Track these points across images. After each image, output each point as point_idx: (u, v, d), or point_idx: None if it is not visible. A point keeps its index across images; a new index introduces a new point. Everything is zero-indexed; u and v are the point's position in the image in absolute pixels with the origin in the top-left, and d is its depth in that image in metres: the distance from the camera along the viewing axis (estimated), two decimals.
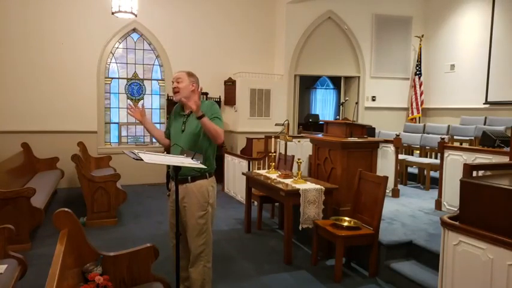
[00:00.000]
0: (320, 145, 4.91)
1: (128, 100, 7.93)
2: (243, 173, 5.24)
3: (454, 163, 4.49)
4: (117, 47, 7.77)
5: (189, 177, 2.80)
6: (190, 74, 2.92)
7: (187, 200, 2.82)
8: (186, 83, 2.88)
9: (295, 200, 3.88)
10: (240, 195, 6.27)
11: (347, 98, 8.42)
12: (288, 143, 4.85)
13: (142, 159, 2.40)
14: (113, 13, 5.55)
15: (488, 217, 2.22)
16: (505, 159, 3.66)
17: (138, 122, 3.08)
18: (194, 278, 2.88)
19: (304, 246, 4.42)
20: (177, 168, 2.49)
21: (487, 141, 4.95)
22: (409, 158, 6.51)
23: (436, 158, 6.44)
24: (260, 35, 8.53)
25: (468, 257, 2.30)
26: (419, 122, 8.70)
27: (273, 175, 4.55)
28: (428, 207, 4.85)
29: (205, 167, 2.69)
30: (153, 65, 8.08)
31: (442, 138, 4.89)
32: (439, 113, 8.73)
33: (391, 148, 5.39)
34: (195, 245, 2.85)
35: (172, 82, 2.94)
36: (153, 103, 8.12)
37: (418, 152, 6.94)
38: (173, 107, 3.18)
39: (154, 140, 8.15)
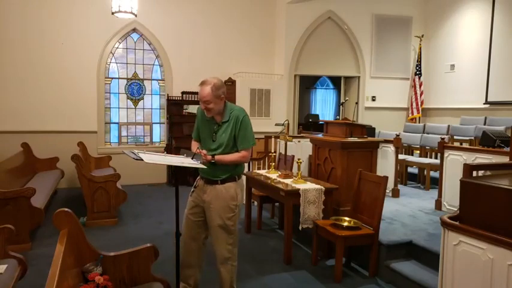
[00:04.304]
0: (320, 145, 4.91)
1: (129, 100, 7.95)
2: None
3: (454, 163, 4.49)
4: (117, 47, 7.77)
5: (219, 180, 2.83)
6: (215, 88, 2.71)
7: (215, 201, 2.84)
8: (215, 101, 2.73)
9: (295, 200, 3.88)
10: None
11: (347, 98, 8.43)
12: (288, 143, 4.85)
13: (142, 159, 2.41)
14: (113, 13, 5.55)
15: (488, 217, 2.22)
16: (505, 159, 3.66)
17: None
18: (224, 277, 2.94)
19: (304, 246, 4.42)
20: (177, 169, 2.49)
21: (487, 141, 4.95)
22: (409, 158, 6.51)
23: (436, 158, 6.44)
24: (260, 35, 8.53)
25: (468, 257, 2.30)
26: (419, 122, 8.70)
27: (273, 175, 4.55)
28: (428, 207, 4.85)
29: (205, 167, 2.69)
30: (153, 65, 8.07)
31: (442, 138, 4.89)
32: (439, 113, 8.73)
33: (391, 148, 5.40)
34: (224, 245, 2.88)
35: (201, 100, 2.77)
36: (153, 103, 8.12)
37: (418, 152, 6.94)
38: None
39: (154, 140, 8.16)
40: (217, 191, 2.84)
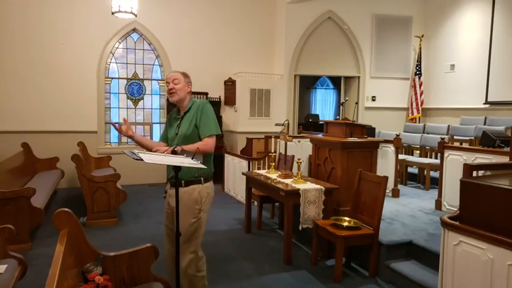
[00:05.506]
0: (320, 145, 4.91)
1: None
2: (243, 173, 5.24)
3: (454, 163, 4.49)
4: (117, 47, 7.77)
5: (183, 182, 2.72)
6: (185, 75, 2.90)
7: (179, 204, 2.72)
8: (183, 84, 2.86)
9: (295, 200, 3.88)
10: (240, 195, 6.27)
11: (347, 98, 8.43)
12: (288, 143, 4.85)
13: (142, 159, 2.40)
14: (113, 13, 5.54)
15: (488, 217, 2.22)
16: (505, 159, 3.66)
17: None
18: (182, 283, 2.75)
19: (304, 246, 4.42)
20: (176, 169, 2.47)
21: (487, 141, 4.95)
22: (409, 158, 6.51)
23: (436, 158, 6.44)
24: (260, 35, 8.53)
25: (468, 257, 2.30)
26: (419, 122, 8.70)
27: (273, 175, 4.55)
28: (428, 207, 4.85)
29: (205, 167, 2.64)
30: (153, 65, 8.08)
31: (442, 138, 4.89)
32: (439, 113, 8.73)
33: (391, 148, 5.40)
34: (187, 254, 2.74)
35: (168, 83, 2.88)
36: (153, 103, 8.12)
37: (418, 152, 6.94)
38: (172, 109, 3.16)
39: (154, 140, 8.14)
40: (180, 194, 2.66)
